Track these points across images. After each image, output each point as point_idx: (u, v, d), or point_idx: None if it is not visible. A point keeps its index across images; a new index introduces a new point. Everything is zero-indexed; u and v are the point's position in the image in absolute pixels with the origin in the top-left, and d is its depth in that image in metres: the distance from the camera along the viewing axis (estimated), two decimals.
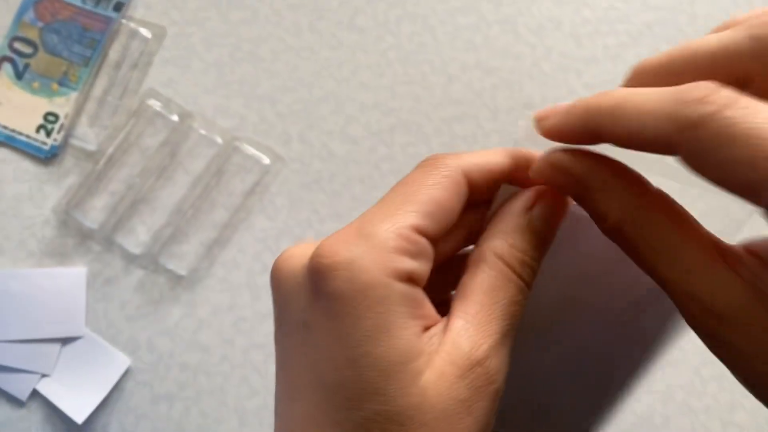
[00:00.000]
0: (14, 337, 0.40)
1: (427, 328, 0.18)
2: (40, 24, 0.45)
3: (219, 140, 0.43)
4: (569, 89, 0.44)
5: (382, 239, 0.17)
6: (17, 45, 0.44)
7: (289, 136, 0.43)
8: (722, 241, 0.17)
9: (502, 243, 0.19)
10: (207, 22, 0.45)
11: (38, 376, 0.40)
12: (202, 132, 0.43)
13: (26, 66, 0.44)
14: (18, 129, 0.43)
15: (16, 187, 0.43)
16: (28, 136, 0.43)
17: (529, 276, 0.19)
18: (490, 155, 0.20)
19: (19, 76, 0.44)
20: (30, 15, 0.45)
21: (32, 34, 0.44)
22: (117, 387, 0.40)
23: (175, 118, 0.43)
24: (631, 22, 0.45)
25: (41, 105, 0.44)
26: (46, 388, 0.40)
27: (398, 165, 0.43)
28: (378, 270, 0.17)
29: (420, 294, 0.18)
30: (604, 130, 0.17)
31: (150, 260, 0.42)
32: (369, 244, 0.17)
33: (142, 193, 0.42)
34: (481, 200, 0.20)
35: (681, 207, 0.17)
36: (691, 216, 0.17)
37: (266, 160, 0.43)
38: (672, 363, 0.40)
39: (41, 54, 0.44)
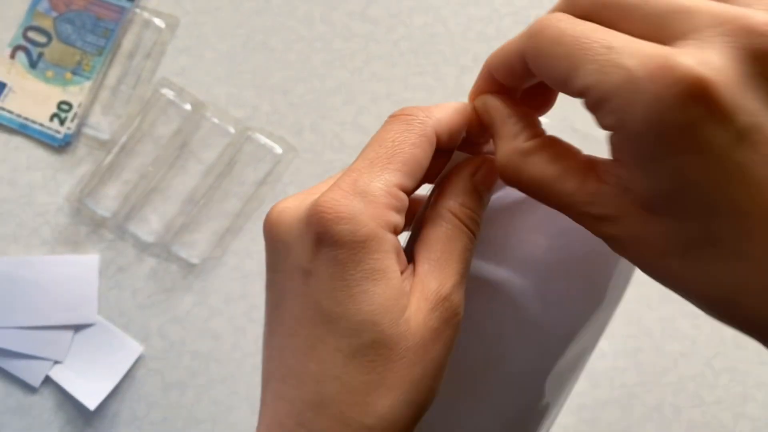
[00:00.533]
0: (27, 324, 0.40)
1: (402, 272, 0.21)
2: (54, 14, 0.45)
3: (231, 130, 0.43)
4: None
5: (376, 196, 0.20)
6: (31, 34, 0.45)
7: (301, 126, 0.43)
8: (596, 157, 0.20)
9: (455, 202, 0.23)
10: (219, 12, 0.45)
11: (51, 362, 0.40)
12: (215, 121, 0.43)
13: (40, 55, 0.44)
14: (32, 117, 0.44)
15: (29, 175, 0.43)
16: (41, 125, 0.43)
17: (475, 228, 0.23)
18: (454, 117, 0.23)
19: (33, 65, 0.44)
20: (44, 5, 0.45)
21: (46, 24, 0.45)
22: (129, 374, 0.40)
23: (188, 107, 0.43)
24: None
25: (55, 94, 0.44)
26: (58, 374, 0.40)
27: None
28: (375, 223, 0.20)
29: (399, 242, 0.21)
30: (496, 73, 0.22)
31: (162, 249, 0.42)
32: (366, 200, 0.20)
33: (154, 181, 0.43)
34: (440, 156, 0.23)
35: (561, 142, 0.21)
36: (568, 145, 0.21)
37: (278, 150, 0.43)
38: (684, 354, 0.40)
39: (55, 43, 0.45)
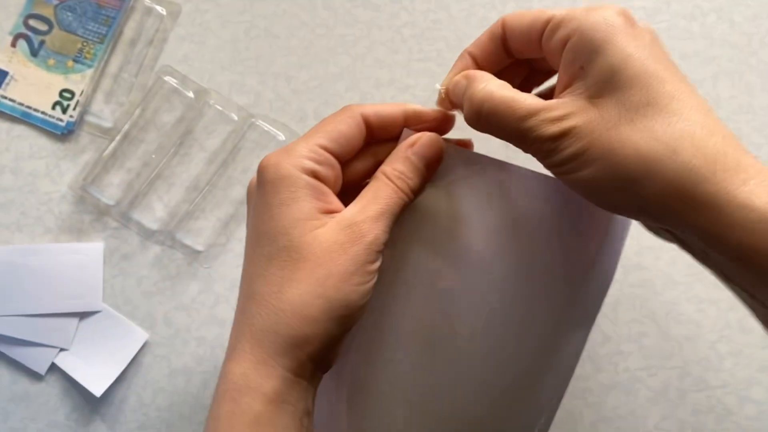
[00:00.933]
0: (32, 312, 0.40)
1: (330, 212, 0.28)
2: (55, 1, 0.45)
3: (235, 117, 0.43)
4: None
5: (297, 151, 0.28)
6: (32, 22, 0.44)
7: (304, 112, 0.43)
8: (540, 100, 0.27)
9: (388, 167, 0.29)
10: None
11: (56, 350, 0.40)
12: (218, 108, 0.43)
13: (41, 43, 0.44)
14: (34, 106, 0.43)
15: (32, 163, 0.43)
16: (44, 113, 0.43)
17: (405, 186, 0.29)
18: (387, 107, 0.31)
19: (34, 53, 0.44)
20: None
21: (47, 12, 0.45)
22: (135, 361, 0.40)
23: (190, 94, 0.43)
24: None
25: (57, 82, 0.44)
26: (64, 361, 0.40)
27: None
28: (291, 167, 0.28)
29: (324, 187, 0.28)
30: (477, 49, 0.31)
31: (167, 236, 0.42)
32: (288, 154, 0.28)
33: (158, 169, 0.42)
34: (383, 138, 0.31)
35: (510, 93, 0.27)
36: (520, 95, 0.27)
37: (282, 137, 0.43)
38: (689, 338, 0.40)
39: (56, 31, 0.44)
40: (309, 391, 0.28)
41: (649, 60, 0.25)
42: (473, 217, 0.30)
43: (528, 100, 0.26)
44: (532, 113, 0.26)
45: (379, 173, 0.29)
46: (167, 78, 0.43)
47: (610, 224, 0.31)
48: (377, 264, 0.28)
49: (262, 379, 0.26)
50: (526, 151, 0.27)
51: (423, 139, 0.30)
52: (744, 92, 0.43)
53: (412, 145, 0.30)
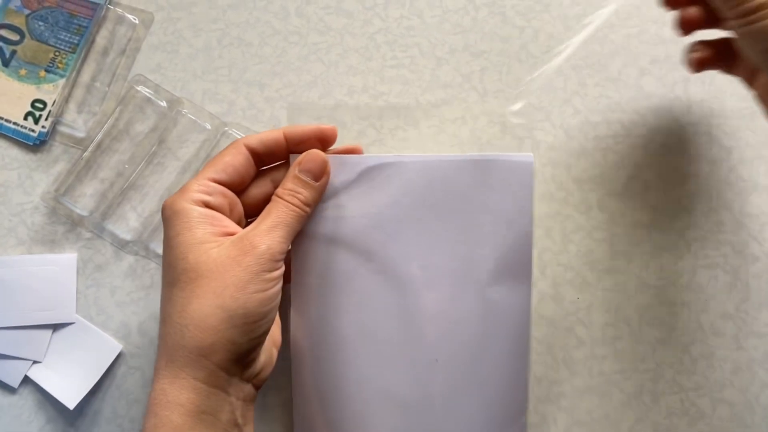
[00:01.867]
0: (4, 324, 0.40)
1: (227, 234, 0.31)
2: (27, 11, 0.44)
3: (208, 126, 0.43)
4: (557, 71, 0.44)
5: (189, 188, 0.32)
6: (3, 32, 0.44)
7: (278, 120, 0.43)
8: None
9: (280, 187, 0.34)
10: (194, 8, 0.45)
11: (29, 362, 0.40)
12: (191, 117, 0.43)
13: (13, 53, 0.44)
14: (5, 116, 0.43)
15: (4, 174, 0.43)
16: (15, 123, 0.43)
17: (295, 200, 0.33)
18: (269, 133, 0.35)
19: (5, 63, 0.44)
20: (16, 2, 0.44)
21: (19, 21, 0.44)
22: (109, 372, 0.40)
23: (163, 104, 0.43)
24: (619, 2, 0.45)
25: (29, 92, 0.43)
26: (37, 374, 0.40)
27: (387, 149, 0.43)
28: (184, 202, 0.32)
29: (217, 214, 0.32)
30: None
31: (141, 246, 0.42)
32: (182, 192, 0.32)
33: (132, 179, 0.42)
34: (272, 162, 0.35)
35: None
36: None
37: None
38: (662, 342, 0.40)
39: (28, 41, 0.44)
40: (230, 402, 0.30)
41: None
42: (377, 209, 0.36)
43: None
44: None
45: (273, 195, 0.34)
46: (140, 87, 0.43)
47: (505, 178, 0.37)
48: (277, 273, 0.31)
49: (177, 392, 0.29)
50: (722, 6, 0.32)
51: (306, 156, 0.34)
52: (714, 96, 0.43)
53: (300, 163, 0.34)
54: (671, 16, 0.45)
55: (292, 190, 0.33)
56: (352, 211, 0.35)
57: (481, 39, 0.44)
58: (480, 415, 0.35)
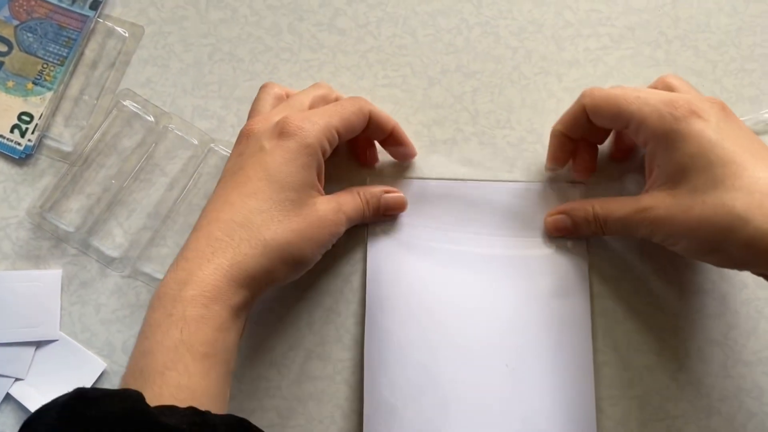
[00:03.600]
0: None
1: (316, 188, 0.36)
2: (16, 22, 0.44)
3: (195, 141, 0.42)
4: (549, 93, 0.43)
5: (321, 126, 0.35)
6: None
7: None
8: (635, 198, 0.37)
9: (364, 189, 0.40)
10: (185, 22, 0.44)
11: (11, 380, 0.40)
12: (179, 133, 0.42)
13: (0, 65, 0.43)
14: None
15: None
16: (1, 136, 0.43)
17: (365, 209, 0.39)
18: (384, 116, 0.39)
19: None
20: (5, 13, 0.44)
21: (7, 33, 0.44)
22: None
23: (151, 119, 0.43)
24: (612, 25, 0.45)
25: (15, 104, 0.43)
26: (19, 392, 0.39)
27: (378, 167, 0.42)
28: (316, 140, 0.34)
29: (322, 167, 0.36)
30: (564, 127, 0.39)
31: (127, 263, 0.41)
32: (313, 125, 0.35)
33: (119, 195, 0.42)
34: (367, 135, 0.39)
35: (607, 199, 0.39)
36: (613, 200, 0.38)
37: None
38: (649, 368, 0.40)
39: (16, 53, 0.44)
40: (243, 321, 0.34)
41: (714, 145, 0.32)
42: (443, 224, 0.41)
43: (625, 204, 0.36)
44: (629, 213, 0.36)
45: (357, 189, 0.39)
46: (128, 102, 0.43)
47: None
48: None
49: (232, 293, 0.31)
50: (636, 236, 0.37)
51: (395, 196, 0.40)
52: None
53: (387, 192, 0.40)
54: (666, 38, 0.45)
55: (369, 201, 0.39)
56: (423, 223, 0.40)
57: (474, 59, 0.44)
58: (552, 424, 0.37)
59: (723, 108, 0.34)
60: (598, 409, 0.40)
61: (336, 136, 0.35)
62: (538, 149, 0.43)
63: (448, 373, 0.38)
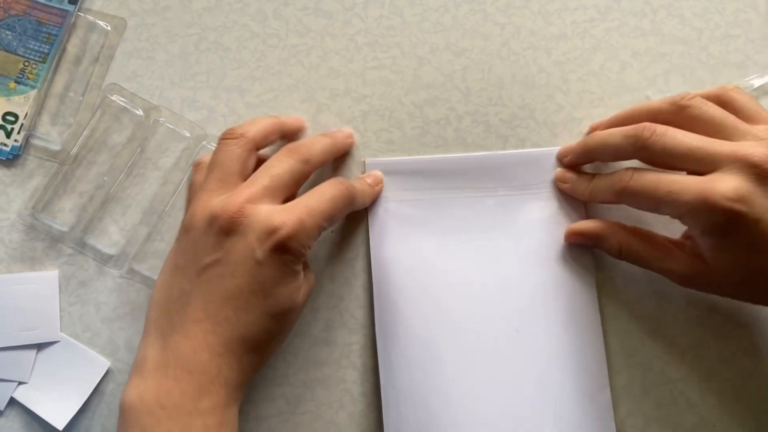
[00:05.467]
0: None
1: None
2: None
3: (187, 134, 0.42)
4: (539, 68, 0.43)
5: (308, 227, 0.34)
6: None
7: None
8: (672, 238, 0.39)
9: (362, 179, 0.41)
10: (168, 12, 0.43)
11: (15, 384, 0.39)
12: (170, 126, 0.42)
13: None
14: None
15: None
16: None
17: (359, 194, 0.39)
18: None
19: None
20: None
21: None
22: (97, 390, 0.40)
23: (140, 112, 0.42)
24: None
25: None
26: (23, 395, 0.39)
27: (372, 152, 0.42)
28: (300, 247, 0.34)
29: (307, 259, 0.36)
30: (596, 156, 0.40)
31: (125, 260, 0.41)
32: (302, 226, 0.33)
33: (112, 191, 0.41)
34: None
35: (645, 229, 0.39)
36: (652, 233, 0.39)
37: None
38: (650, 334, 0.41)
39: None
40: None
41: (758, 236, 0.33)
42: (430, 195, 0.41)
43: (651, 252, 0.38)
44: (660, 265, 0.38)
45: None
46: (115, 97, 0.42)
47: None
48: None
49: (239, 392, 0.33)
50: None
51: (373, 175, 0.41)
52: (696, 87, 0.43)
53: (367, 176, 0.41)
54: (652, 7, 0.45)
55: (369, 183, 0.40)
56: (422, 196, 0.41)
57: (462, 37, 0.44)
58: (567, 383, 0.38)
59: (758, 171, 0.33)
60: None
61: (322, 231, 0.35)
62: (531, 125, 0.43)
63: (459, 341, 0.38)
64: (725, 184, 0.32)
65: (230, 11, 0.43)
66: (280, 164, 0.35)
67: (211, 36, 0.43)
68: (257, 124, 0.37)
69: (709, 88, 0.41)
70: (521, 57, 0.44)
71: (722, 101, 0.37)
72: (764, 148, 0.33)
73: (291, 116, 0.41)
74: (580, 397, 0.38)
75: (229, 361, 0.32)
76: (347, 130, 0.42)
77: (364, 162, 0.41)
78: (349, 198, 0.36)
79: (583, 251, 0.40)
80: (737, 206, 0.32)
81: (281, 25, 0.43)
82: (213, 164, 0.36)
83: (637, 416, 0.40)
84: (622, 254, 0.38)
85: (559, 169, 0.41)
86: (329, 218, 0.35)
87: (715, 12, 0.45)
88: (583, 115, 0.43)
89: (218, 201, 0.33)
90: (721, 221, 0.33)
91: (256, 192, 0.33)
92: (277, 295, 0.33)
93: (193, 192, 0.39)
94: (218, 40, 0.43)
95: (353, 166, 0.42)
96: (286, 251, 0.32)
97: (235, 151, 0.35)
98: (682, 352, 0.41)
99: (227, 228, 0.32)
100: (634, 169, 0.36)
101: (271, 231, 0.32)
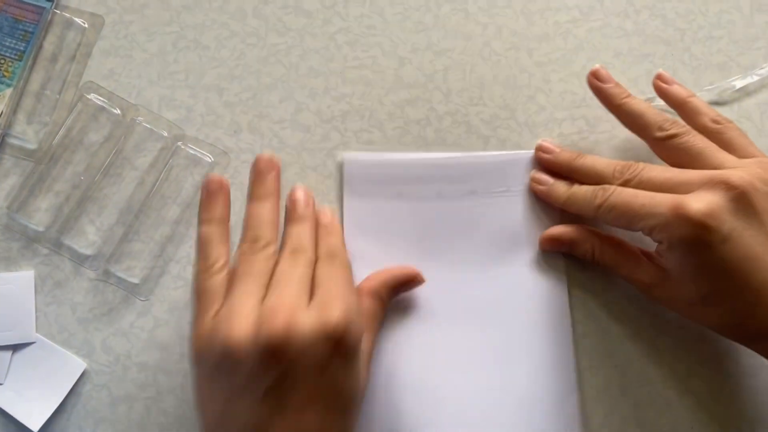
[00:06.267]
0: None
1: None
2: None
3: (165, 133, 0.42)
4: (521, 68, 0.43)
5: (361, 328, 0.34)
6: None
7: (238, 125, 0.42)
8: (643, 248, 0.39)
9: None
10: (146, 10, 0.43)
11: None
12: (147, 126, 0.41)
13: None
14: None
15: None
16: None
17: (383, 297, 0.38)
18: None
19: None
20: None
21: None
22: (74, 391, 0.39)
23: (117, 111, 0.41)
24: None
25: None
26: (0, 397, 0.39)
27: (352, 151, 0.42)
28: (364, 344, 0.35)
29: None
30: (578, 177, 0.39)
31: (101, 260, 0.40)
32: (359, 325, 0.33)
33: (89, 191, 0.41)
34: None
35: (617, 237, 0.39)
36: (624, 241, 0.39)
37: (209, 158, 0.41)
38: (629, 336, 0.41)
39: None
40: None
41: (724, 268, 0.33)
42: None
43: (626, 263, 0.38)
44: (631, 275, 0.38)
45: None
46: (92, 95, 0.41)
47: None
48: None
49: None
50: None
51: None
52: None
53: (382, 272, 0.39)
54: (635, 8, 0.45)
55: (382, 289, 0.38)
56: (389, 194, 0.40)
57: (444, 37, 0.43)
58: (534, 388, 0.38)
59: (737, 198, 0.33)
60: (581, 379, 0.40)
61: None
62: (512, 125, 0.42)
63: (422, 343, 0.38)
64: (700, 199, 0.33)
65: (209, 9, 0.43)
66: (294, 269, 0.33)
67: (189, 34, 0.43)
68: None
69: (691, 89, 0.41)
70: (503, 57, 0.43)
71: (710, 132, 0.37)
72: (743, 172, 0.33)
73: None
74: (547, 403, 0.38)
75: None
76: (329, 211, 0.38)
77: (342, 159, 0.41)
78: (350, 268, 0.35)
79: (555, 255, 0.40)
80: (707, 220, 0.32)
81: (261, 23, 0.43)
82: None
83: (615, 417, 0.40)
84: (595, 260, 0.39)
85: (536, 171, 0.40)
86: (377, 323, 0.37)
87: (698, 13, 0.45)
88: (565, 116, 0.43)
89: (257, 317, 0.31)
90: (689, 234, 0.32)
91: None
92: (354, 391, 0.32)
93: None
94: (197, 38, 0.43)
95: (330, 164, 0.42)
96: (349, 349, 0.31)
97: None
98: (660, 353, 0.41)
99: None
100: (614, 186, 0.37)
101: (334, 332, 0.30)
